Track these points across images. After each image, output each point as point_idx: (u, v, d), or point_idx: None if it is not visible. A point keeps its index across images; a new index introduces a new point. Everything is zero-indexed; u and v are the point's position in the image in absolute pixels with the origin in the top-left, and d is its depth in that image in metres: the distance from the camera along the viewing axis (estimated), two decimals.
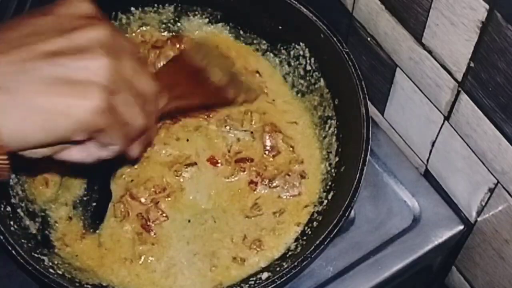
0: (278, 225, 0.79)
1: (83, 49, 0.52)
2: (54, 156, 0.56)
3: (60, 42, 0.52)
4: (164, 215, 0.78)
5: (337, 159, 0.80)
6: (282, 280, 0.69)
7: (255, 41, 0.89)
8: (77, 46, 0.53)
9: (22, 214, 0.76)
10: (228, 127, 0.84)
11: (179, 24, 0.89)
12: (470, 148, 0.75)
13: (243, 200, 0.80)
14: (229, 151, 0.83)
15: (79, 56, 0.52)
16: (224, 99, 0.81)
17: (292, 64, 0.87)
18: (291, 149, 0.83)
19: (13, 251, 0.68)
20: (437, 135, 0.80)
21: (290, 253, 0.77)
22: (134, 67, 0.56)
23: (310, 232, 0.77)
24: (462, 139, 0.75)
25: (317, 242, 0.70)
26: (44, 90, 0.51)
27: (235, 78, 0.82)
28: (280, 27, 0.85)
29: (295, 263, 0.69)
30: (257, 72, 0.88)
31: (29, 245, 0.72)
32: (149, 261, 0.77)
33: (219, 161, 0.82)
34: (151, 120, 0.60)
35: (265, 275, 0.74)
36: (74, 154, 0.57)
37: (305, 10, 0.80)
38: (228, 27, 0.89)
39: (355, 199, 0.71)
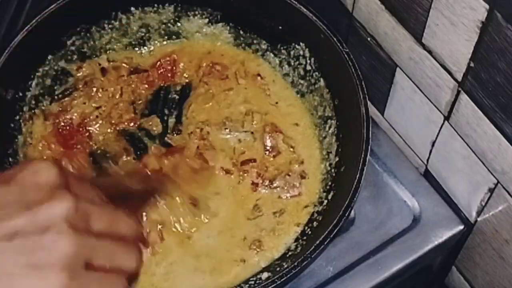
0: (278, 225, 0.79)
1: (45, 227, 0.52)
2: None
3: (22, 220, 0.51)
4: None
5: (337, 159, 0.80)
6: (282, 280, 0.69)
7: (255, 41, 0.89)
8: (39, 225, 0.52)
9: None
10: (228, 130, 0.84)
11: (179, 24, 0.89)
12: (470, 148, 0.75)
13: (245, 202, 0.80)
14: (234, 153, 0.83)
15: (41, 236, 0.51)
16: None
17: (292, 64, 0.87)
18: (291, 149, 0.83)
19: None
20: (437, 135, 0.80)
21: (290, 253, 0.77)
22: (106, 225, 0.55)
23: (310, 232, 0.77)
24: (462, 139, 0.75)
25: (317, 242, 0.70)
26: (7, 271, 0.51)
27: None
28: (280, 27, 0.85)
29: (295, 263, 0.69)
30: (259, 75, 0.88)
31: None
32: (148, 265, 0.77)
33: (231, 170, 0.82)
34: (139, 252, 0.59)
35: (265, 275, 0.74)
36: None
37: (305, 10, 0.80)
38: (228, 27, 0.89)
39: (355, 199, 0.71)
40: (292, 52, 0.86)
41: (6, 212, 0.51)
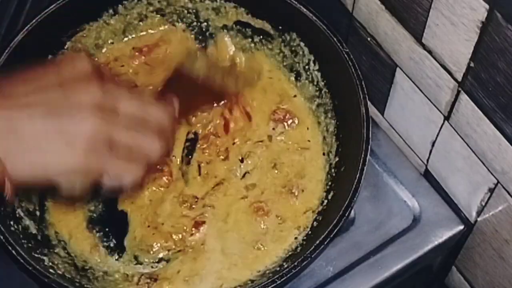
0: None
1: (76, 104, 0.62)
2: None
3: (56, 95, 0.62)
4: None
5: (337, 159, 0.80)
6: (282, 280, 0.69)
7: (254, 40, 0.89)
8: (71, 101, 0.62)
9: (22, 214, 0.76)
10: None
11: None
12: (470, 148, 0.75)
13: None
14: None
15: (71, 110, 0.61)
16: (227, 93, 0.83)
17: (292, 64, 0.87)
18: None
19: (13, 251, 0.68)
20: (437, 135, 0.80)
21: (290, 253, 0.77)
22: (133, 111, 0.65)
23: (310, 232, 0.77)
24: (462, 139, 0.75)
25: (317, 242, 0.70)
26: (42, 142, 0.61)
27: (232, 71, 0.85)
28: (280, 27, 0.85)
29: (295, 263, 0.69)
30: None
31: (29, 245, 0.72)
32: None
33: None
34: (167, 142, 0.69)
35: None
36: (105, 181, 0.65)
37: (305, 10, 0.80)
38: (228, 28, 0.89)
39: (355, 199, 0.71)
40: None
41: (43, 88, 0.62)
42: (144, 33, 0.89)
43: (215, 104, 0.84)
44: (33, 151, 0.60)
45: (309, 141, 0.84)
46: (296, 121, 0.85)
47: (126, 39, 0.89)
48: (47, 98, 0.61)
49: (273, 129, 0.84)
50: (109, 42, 0.88)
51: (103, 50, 0.88)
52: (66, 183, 0.63)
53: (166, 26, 0.90)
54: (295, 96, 0.87)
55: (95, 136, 0.61)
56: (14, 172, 0.60)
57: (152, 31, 0.90)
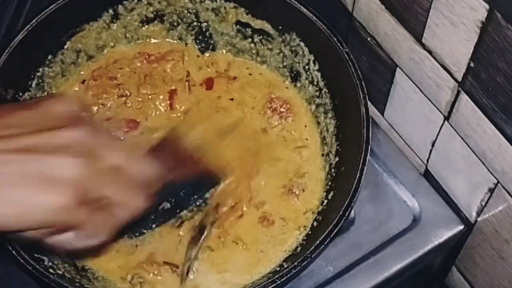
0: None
1: (59, 148, 0.54)
2: (44, 240, 0.57)
3: (38, 138, 0.54)
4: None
5: (337, 159, 0.80)
6: (282, 280, 0.69)
7: (254, 40, 0.89)
8: (54, 145, 0.54)
9: None
10: None
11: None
12: (470, 148, 0.75)
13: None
14: None
15: (54, 154, 0.54)
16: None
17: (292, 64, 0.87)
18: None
19: (13, 251, 0.68)
20: (437, 135, 0.80)
21: (290, 253, 0.77)
22: (118, 162, 0.58)
23: (310, 232, 0.77)
24: (462, 139, 0.75)
25: (317, 242, 0.70)
26: (16, 183, 0.53)
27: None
28: (280, 27, 0.85)
29: (295, 263, 0.69)
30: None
31: (29, 245, 0.72)
32: None
33: None
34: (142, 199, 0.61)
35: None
36: (63, 239, 0.58)
37: (305, 10, 0.80)
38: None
39: (355, 199, 0.71)
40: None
41: (25, 131, 0.54)
42: (148, 40, 0.89)
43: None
44: (4, 199, 0.53)
45: (306, 139, 0.84)
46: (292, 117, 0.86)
47: (129, 44, 0.89)
48: (26, 137, 0.54)
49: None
50: (111, 45, 0.88)
51: (104, 52, 0.88)
52: (32, 234, 0.56)
53: (172, 41, 0.90)
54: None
55: (77, 180, 0.54)
56: None
57: (155, 40, 0.90)
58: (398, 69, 0.80)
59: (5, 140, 0.54)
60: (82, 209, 0.55)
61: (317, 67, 0.84)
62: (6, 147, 0.53)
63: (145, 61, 0.88)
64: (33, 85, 0.83)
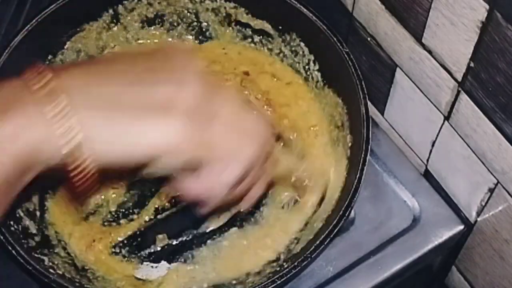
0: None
1: (182, 80, 0.55)
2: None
3: (159, 67, 0.55)
4: None
5: None
6: (282, 280, 0.69)
7: (255, 41, 0.89)
8: (177, 78, 0.55)
9: (22, 214, 0.76)
10: None
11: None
12: (470, 148, 0.75)
13: None
14: None
15: (177, 85, 0.55)
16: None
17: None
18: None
19: (13, 251, 0.68)
20: (437, 135, 0.80)
21: (290, 253, 0.77)
22: (238, 107, 0.59)
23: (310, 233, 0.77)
24: (462, 139, 0.75)
25: (317, 242, 0.70)
26: (135, 114, 0.53)
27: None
28: (280, 27, 0.85)
29: (295, 263, 0.69)
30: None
31: (29, 245, 0.72)
32: None
33: None
34: (259, 168, 0.62)
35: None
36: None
37: (305, 10, 0.80)
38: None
39: (355, 199, 0.71)
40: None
41: (147, 60, 0.56)
42: (148, 40, 0.89)
43: None
44: (123, 130, 0.53)
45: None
46: None
47: (130, 44, 0.89)
48: (142, 64, 0.55)
49: None
50: (111, 46, 0.88)
51: (105, 52, 0.88)
52: (162, 164, 0.55)
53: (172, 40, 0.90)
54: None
55: (193, 104, 0.54)
56: (102, 153, 0.52)
57: (156, 40, 0.89)
58: (398, 69, 0.80)
59: (127, 72, 0.55)
60: (190, 142, 0.55)
61: (317, 67, 0.84)
62: (130, 81, 0.54)
63: None
64: None
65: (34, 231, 0.76)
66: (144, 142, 0.54)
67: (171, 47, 0.59)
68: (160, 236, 0.78)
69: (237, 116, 0.59)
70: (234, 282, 0.76)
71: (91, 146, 0.51)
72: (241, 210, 0.69)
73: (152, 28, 0.89)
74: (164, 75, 0.55)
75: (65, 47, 0.85)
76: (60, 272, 0.72)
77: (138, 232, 0.79)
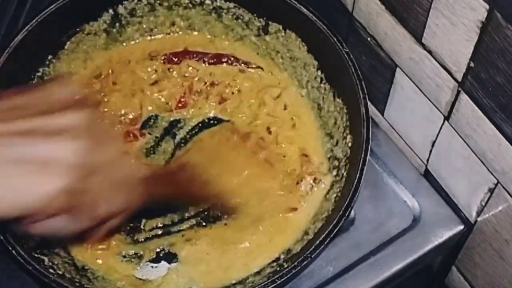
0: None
1: (59, 131, 0.53)
2: (21, 224, 0.56)
3: (38, 121, 0.53)
4: None
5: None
6: (282, 280, 0.69)
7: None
8: (53, 128, 0.53)
9: None
10: None
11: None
12: (470, 148, 0.75)
13: None
14: None
15: (53, 137, 0.53)
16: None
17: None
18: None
19: (13, 251, 0.68)
20: (437, 135, 0.80)
21: (290, 253, 0.77)
22: (113, 154, 0.57)
23: (310, 232, 0.77)
24: (462, 139, 0.75)
25: (317, 242, 0.70)
26: (11, 167, 0.52)
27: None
28: (280, 27, 0.85)
29: (295, 263, 0.69)
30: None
31: (29, 245, 0.72)
32: None
33: None
34: (125, 206, 0.61)
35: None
36: (52, 224, 0.57)
37: (305, 10, 0.80)
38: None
39: (355, 199, 0.71)
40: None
41: (26, 114, 0.53)
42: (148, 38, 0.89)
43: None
44: (5, 179, 0.52)
45: None
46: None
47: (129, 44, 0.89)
48: (25, 120, 0.53)
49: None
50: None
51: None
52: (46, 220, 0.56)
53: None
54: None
55: (75, 163, 0.54)
56: None
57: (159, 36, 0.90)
58: (398, 69, 0.80)
59: (5, 122, 0.53)
60: (71, 196, 0.54)
61: (317, 67, 0.84)
62: (6, 130, 0.52)
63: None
64: None
65: None
66: (21, 199, 0.53)
67: (47, 88, 0.57)
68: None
69: (112, 168, 0.58)
70: (233, 282, 0.76)
71: None
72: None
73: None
74: (44, 126, 0.54)
75: (65, 47, 0.85)
76: (60, 272, 0.72)
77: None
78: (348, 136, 0.79)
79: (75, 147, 0.53)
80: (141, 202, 0.64)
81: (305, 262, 0.69)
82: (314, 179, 0.80)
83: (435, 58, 0.72)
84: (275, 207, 0.79)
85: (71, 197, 0.54)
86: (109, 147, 0.57)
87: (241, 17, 0.87)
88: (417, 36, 0.73)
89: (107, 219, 0.61)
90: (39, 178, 0.52)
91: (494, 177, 0.73)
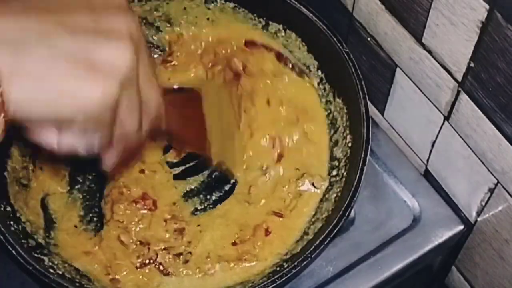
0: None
1: (111, 33, 0.50)
2: (30, 131, 0.52)
3: (89, 19, 0.49)
4: None
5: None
6: (282, 280, 0.69)
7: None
8: (105, 29, 0.50)
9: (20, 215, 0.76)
10: None
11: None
12: (470, 148, 0.75)
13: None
14: None
15: (106, 39, 0.49)
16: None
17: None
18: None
19: (13, 251, 0.68)
20: (437, 135, 0.80)
21: (290, 253, 0.77)
22: (148, 73, 0.55)
23: (310, 232, 0.77)
24: (462, 139, 0.75)
25: (317, 242, 0.70)
26: (62, 67, 0.48)
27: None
28: (280, 27, 0.85)
29: (295, 263, 0.69)
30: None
31: (29, 245, 0.72)
32: None
33: None
34: (142, 132, 0.58)
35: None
36: (90, 140, 0.54)
37: (305, 10, 0.80)
38: None
39: (355, 199, 0.71)
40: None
41: (74, 9, 0.49)
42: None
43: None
44: (45, 84, 0.47)
45: None
46: None
47: None
48: (77, 15, 0.49)
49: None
50: None
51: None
52: (78, 128, 0.51)
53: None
54: None
55: (129, 72, 0.50)
56: (16, 106, 0.47)
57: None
58: (398, 69, 0.80)
59: (55, 14, 0.48)
60: (111, 110, 0.51)
61: (317, 67, 0.84)
62: (55, 22, 0.48)
63: None
64: None
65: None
66: (76, 102, 0.49)
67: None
68: None
69: (147, 77, 0.55)
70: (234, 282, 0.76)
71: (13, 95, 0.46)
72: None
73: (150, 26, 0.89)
74: (94, 25, 0.49)
75: None
76: (60, 272, 0.72)
77: None
78: (348, 136, 0.79)
79: (126, 55, 0.50)
80: (158, 125, 0.61)
81: (305, 262, 0.69)
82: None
83: (435, 58, 0.72)
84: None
85: (109, 111, 0.50)
86: (146, 64, 0.54)
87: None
88: (417, 36, 0.73)
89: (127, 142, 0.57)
90: (84, 86, 0.48)
91: (494, 177, 0.73)
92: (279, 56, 0.86)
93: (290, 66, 0.86)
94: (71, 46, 0.48)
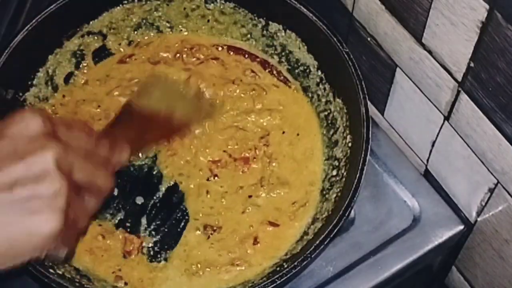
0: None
1: (40, 176, 0.54)
2: None
3: (17, 171, 0.53)
4: None
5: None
6: (282, 280, 0.69)
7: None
8: (35, 174, 0.54)
9: None
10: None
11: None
12: (470, 148, 0.75)
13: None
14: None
15: (38, 185, 0.54)
16: (184, 125, 0.79)
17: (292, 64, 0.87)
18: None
19: None
20: (437, 135, 0.80)
21: (290, 253, 0.77)
22: (88, 170, 0.58)
23: (310, 232, 0.77)
24: (462, 139, 0.75)
25: (317, 242, 0.70)
26: (5, 220, 0.53)
27: (191, 101, 0.80)
28: (280, 27, 0.85)
29: (295, 263, 0.69)
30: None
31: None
32: None
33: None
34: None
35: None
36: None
37: (305, 10, 0.80)
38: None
39: (355, 199, 0.71)
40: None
41: (3, 164, 0.54)
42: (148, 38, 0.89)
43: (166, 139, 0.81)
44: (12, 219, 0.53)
45: None
46: None
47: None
48: (4, 172, 0.54)
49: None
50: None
51: None
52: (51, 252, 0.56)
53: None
54: None
55: (65, 200, 0.54)
56: None
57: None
58: (398, 69, 0.80)
59: None
60: (62, 232, 0.55)
61: (317, 67, 0.84)
62: None
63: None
64: (33, 85, 0.83)
65: None
66: (29, 239, 0.54)
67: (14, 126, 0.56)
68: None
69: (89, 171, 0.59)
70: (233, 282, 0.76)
71: None
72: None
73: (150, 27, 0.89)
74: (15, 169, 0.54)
75: (65, 47, 0.85)
76: (60, 272, 0.72)
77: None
78: (348, 136, 0.79)
79: (58, 189, 0.54)
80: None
81: (305, 262, 0.69)
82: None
83: (435, 58, 0.72)
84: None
85: (60, 235, 0.54)
86: (84, 165, 0.58)
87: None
88: (417, 36, 0.73)
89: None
90: (32, 227, 0.53)
91: (494, 177, 0.73)
92: (264, 64, 0.87)
93: (275, 73, 0.86)
94: (12, 202, 0.53)
